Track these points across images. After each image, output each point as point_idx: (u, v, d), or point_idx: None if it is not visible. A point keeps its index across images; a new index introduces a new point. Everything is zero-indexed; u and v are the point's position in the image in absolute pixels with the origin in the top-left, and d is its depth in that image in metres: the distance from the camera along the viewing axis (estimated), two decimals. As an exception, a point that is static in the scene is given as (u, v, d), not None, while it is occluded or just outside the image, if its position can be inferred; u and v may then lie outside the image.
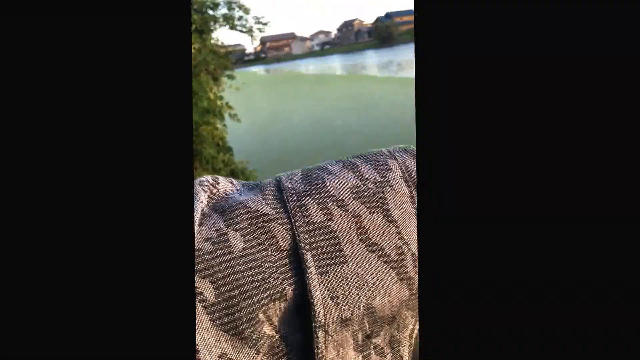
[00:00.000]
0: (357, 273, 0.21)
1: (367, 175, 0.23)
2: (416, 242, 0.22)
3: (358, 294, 0.21)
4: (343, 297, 0.20)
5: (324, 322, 0.20)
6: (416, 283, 0.22)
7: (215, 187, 0.23)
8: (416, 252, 0.22)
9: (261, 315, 0.20)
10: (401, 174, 0.23)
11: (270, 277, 0.20)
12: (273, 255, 0.21)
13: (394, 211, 0.22)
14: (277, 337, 0.21)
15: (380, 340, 0.22)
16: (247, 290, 0.20)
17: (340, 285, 0.20)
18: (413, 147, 0.24)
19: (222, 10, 4.55)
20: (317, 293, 0.20)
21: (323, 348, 0.21)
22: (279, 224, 0.21)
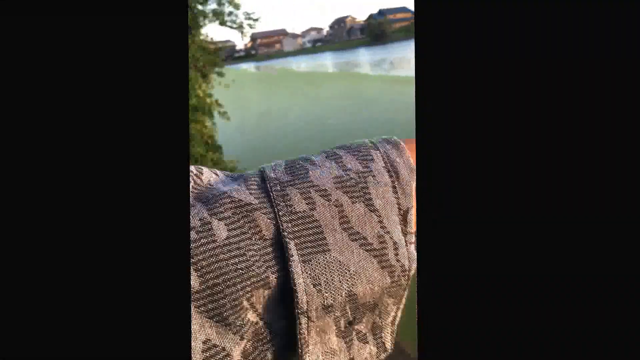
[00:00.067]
0: (339, 261, 0.21)
1: (349, 166, 0.23)
2: (398, 231, 0.23)
3: (340, 281, 0.21)
4: (325, 285, 0.21)
5: (307, 309, 0.21)
6: (397, 270, 0.22)
7: (199, 177, 0.23)
8: (397, 241, 0.22)
9: (245, 303, 0.21)
10: (383, 164, 0.23)
11: (253, 265, 0.21)
12: (257, 244, 0.21)
13: (376, 201, 0.22)
14: (261, 323, 0.21)
15: (362, 327, 0.23)
16: (231, 278, 0.20)
17: (323, 273, 0.21)
18: (396, 137, 0.25)
19: (212, 6, 4.51)
20: (300, 280, 0.21)
21: (306, 334, 0.21)
22: (263, 214, 0.22)
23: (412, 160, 0.24)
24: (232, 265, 0.20)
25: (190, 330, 0.19)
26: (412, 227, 0.23)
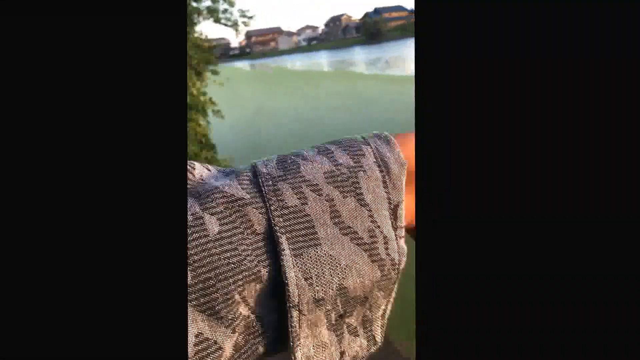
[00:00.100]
0: (330, 255, 0.21)
1: (341, 161, 0.23)
2: (388, 225, 0.23)
3: (331, 275, 0.21)
4: (316, 278, 0.21)
5: (298, 302, 0.21)
6: (387, 264, 0.22)
7: (191, 172, 0.24)
8: (387, 235, 0.23)
9: (237, 296, 0.21)
10: (374, 160, 0.24)
11: (245, 259, 0.21)
12: (248, 239, 0.21)
13: (366, 195, 0.23)
14: (252, 317, 0.21)
15: (353, 320, 0.23)
16: (223, 272, 0.20)
17: (314, 267, 0.21)
18: (387, 133, 0.25)
19: (206, 3, 4.48)
20: (292, 274, 0.21)
21: (297, 327, 0.21)
22: (255, 208, 0.22)
23: (403, 155, 0.24)
24: (224, 259, 0.21)
25: (187, 324, 0.20)
26: (402, 221, 0.23)
